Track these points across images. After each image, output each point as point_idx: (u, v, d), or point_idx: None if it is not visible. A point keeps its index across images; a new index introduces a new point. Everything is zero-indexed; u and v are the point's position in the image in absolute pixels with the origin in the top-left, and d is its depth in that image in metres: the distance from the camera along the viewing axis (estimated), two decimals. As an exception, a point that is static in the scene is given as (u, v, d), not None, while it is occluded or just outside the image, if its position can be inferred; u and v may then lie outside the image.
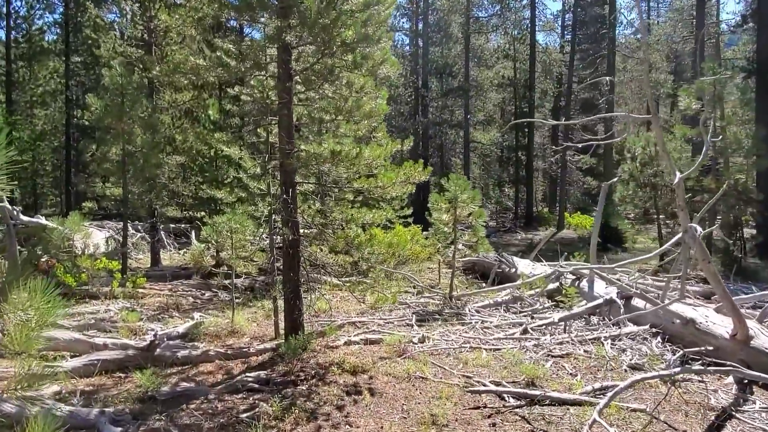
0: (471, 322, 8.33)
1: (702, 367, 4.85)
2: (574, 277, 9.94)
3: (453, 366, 6.17)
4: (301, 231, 6.63)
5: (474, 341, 7.22)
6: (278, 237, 6.84)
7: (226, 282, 9.08)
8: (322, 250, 7.09)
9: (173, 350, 6.32)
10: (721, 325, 6.60)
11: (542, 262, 12.33)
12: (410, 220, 10.51)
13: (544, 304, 9.51)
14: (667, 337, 7.17)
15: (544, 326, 7.86)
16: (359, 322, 8.26)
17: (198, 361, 6.28)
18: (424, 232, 14.70)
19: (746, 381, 5.48)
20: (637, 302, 8.11)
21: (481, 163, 40.64)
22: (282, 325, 6.77)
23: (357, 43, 5.53)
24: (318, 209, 6.60)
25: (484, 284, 11.96)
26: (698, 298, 10.20)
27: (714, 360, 6.39)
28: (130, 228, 15.90)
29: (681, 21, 38.66)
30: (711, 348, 6.46)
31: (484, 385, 5.47)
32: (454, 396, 5.25)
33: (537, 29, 34.97)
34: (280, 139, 6.01)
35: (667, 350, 6.87)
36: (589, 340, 7.21)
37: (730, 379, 5.64)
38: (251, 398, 5.21)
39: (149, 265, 13.87)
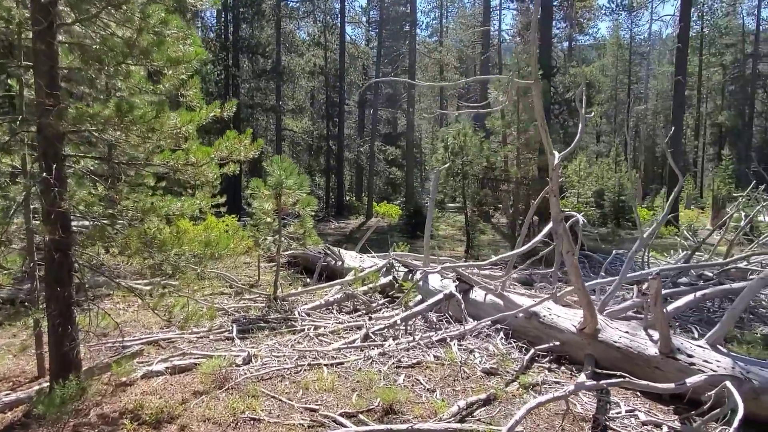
0: (303, 329, 7.12)
1: (595, 383, 4.33)
2: (406, 269, 9.34)
3: (291, 395, 4.87)
4: (76, 226, 4.69)
5: (311, 355, 6.02)
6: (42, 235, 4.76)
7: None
8: (109, 251, 5.17)
9: None
10: (566, 318, 6.40)
11: (370, 252, 11.61)
12: (223, 209, 8.85)
13: (379, 301, 8.72)
14: (510, 333, 6.83)
15: (385, 329, 7.00)
16: (164, 340, 6.45)
17: None
18: (240, 222, 13.00)
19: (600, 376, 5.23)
20: (475, 295, 7.72)
21: (291, 152, 39.42)
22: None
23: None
24: (102, 195, 4.69)
25: (309, 279, 10.82)
26: (516, 285, 10.44)
27: (563, 355, 6.20)
28: None
29: (470, 27, 42.66)
30: (558, 343, 6.23)
31: (336, 422, 4.30)
32: (300, 442, 3.99)
33: (346, 20, 34.90)
34: (36, 90, 4.02)
35: (513, 347, 6.50)
36: (436, 342, 6.51)
37: (582, 377, 5.35)
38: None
39: None
